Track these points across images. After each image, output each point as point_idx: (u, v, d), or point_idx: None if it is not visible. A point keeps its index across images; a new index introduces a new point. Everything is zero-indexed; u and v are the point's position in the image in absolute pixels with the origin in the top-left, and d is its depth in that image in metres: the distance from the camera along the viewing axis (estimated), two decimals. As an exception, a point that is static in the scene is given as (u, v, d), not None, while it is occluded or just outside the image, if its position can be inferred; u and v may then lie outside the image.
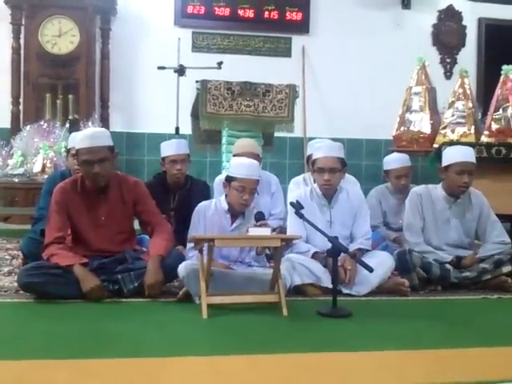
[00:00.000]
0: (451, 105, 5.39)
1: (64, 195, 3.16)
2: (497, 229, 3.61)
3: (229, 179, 3.20)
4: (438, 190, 3.63)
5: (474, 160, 3.54)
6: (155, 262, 3.07)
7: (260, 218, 3.14)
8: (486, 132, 5.01)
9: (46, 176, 4.85)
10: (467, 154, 3.55)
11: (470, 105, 5.31)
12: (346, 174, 3.66)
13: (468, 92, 5.38)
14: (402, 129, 5.76)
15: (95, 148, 3.07)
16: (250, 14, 6.59)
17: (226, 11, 6.54)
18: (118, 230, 3.23)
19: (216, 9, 6.53)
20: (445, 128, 5.37)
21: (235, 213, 3.26)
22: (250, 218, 3.24)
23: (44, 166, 5.32)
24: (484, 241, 3.63)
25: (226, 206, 3.25)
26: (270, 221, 3.99)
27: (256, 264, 3.26)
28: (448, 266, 3.48)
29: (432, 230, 3.61)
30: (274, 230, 3.66)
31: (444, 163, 3.57)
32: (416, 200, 3.63)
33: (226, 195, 3.28)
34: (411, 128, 5.68)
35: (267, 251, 3.18)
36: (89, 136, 3.12)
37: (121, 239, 3.24)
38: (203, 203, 3.35)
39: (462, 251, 3.59)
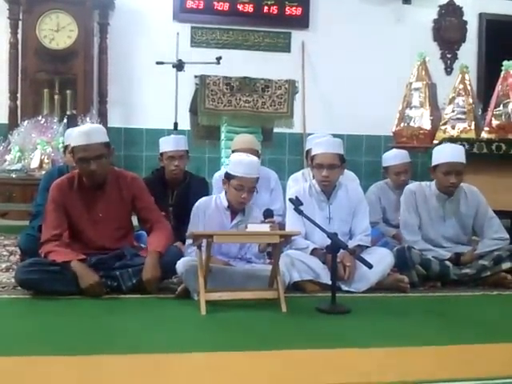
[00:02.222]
0: (451, 100, 5.36)
1: (61, 192, 3.14)
2: (495, 225, 3.59)
3: (228, 177, 3.17)
4: (431, 188, 3.62)
5: (462, 160, 3.50)
6: (153, 258, 3.05)
7: (268, 215, 3.11)
8: (487, 128, 4.99)
9: (43, 172, 4.82)
10: (455, 154, 3.50)
11: (471, 101, 5.29)
12: (346, 170, 3.65)
13: (468, 88, 5.35)
14: (401, 125, 5.73)
15: (91, 145, 3.05)
16: (249, 8, 6.55)
17: (226, 6, 6.51)
18: (115, 226, 3.21)
19: (215, 3, 6.49)
20: (445, 124, 5.34)
21: (235, 210, 3.23)
22: (250, 215, 3.22)
23: (42, 161, 5.30)
24: (482, 237, 3.61)
25: (226, 203, 3.22)
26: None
27: (257, 261, 3.24)
28: (447, 262, 3.47)
29: (428, 226, 3.59)
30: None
31: (433, 163, 3.55)
32: (410, 198, 3.62)
33: (225, 192, 3.25)
34: (411, 124, 5.65)
35: (270, 249, 3.15)
36: (84, 133, 3.09)
37: (119, 235, 3.22)
38: (203, 200, 3.32)
39: (461, 247, 3.58)
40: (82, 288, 2.95)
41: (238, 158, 3.21)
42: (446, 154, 3.52)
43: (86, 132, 3.10)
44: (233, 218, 3.24)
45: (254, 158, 3.24)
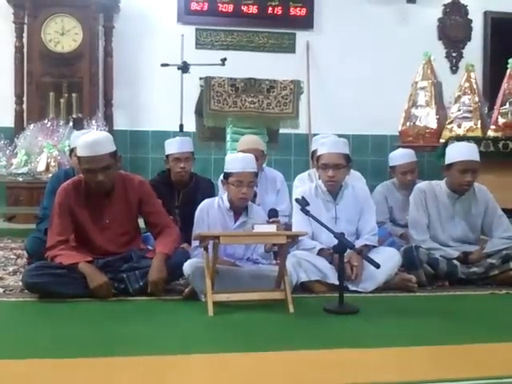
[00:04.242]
0: (457, 99, 5.36)
1: (67, 197, 3.11)
2: (503, 224, 3.57)
3: (226, 176, 3.19)
4: (441, 187, 3.59)
5: (477, 158, 3.47)
6: (160, 260, 3.05)
7: (273, 215, 3.11)
8: (493, 126, 4.99)
9: (50, 175, 4.83)
10: (471, 152, 3.48)
11: (477, 99, 5.28)
12: (352, 170, 3.64)
13: (474, 86, 5.35)
14: (407, 124, 5.73)
15: (97, 157, 2.98)
16: (253, 9, 6.57)
17: (230, 7, 6.53)
18: (122, 232, 3.20)
19: (219, 5, 6.51)
20: (451, 123, 5.34)
21: (238, 210, 3.24)
22: (253, 216, 3.22)
23: (48, 164, 5.33)
24: (491, 236, 3.59)
25: (228, 204, 3.23)
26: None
27: (264, 261, 3.24)
28: (455, 261, 3.45)
29: (437, 226, 3.57)
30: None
31: (447, 161, 3.52)
32: (420, 196, 3.59)
33: (227, 193, 3.25)
34: (417, 123, 5.65)
35: (275, 249, 3.15)
36: (90, 144, 3.00)
37: (125, 240, 3.21)
38: (206, 201, 3.33)
39: (469, 246, 3.56)
40: (90, 289, 2.94)
41: (232, 156, 3.28)
42: (461, 152, 3.49)
43: (92, 143, 3.00)
44: (236, 218, 3.24)
45: (249, 154, 3.26)
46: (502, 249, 3.49)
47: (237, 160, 3.18)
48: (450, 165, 3.49)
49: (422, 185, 3.68)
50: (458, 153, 3.49)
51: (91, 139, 3.04)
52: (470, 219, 3.58)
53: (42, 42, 5.87)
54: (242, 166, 3.13)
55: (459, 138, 4.63)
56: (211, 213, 3.25)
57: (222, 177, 3.35)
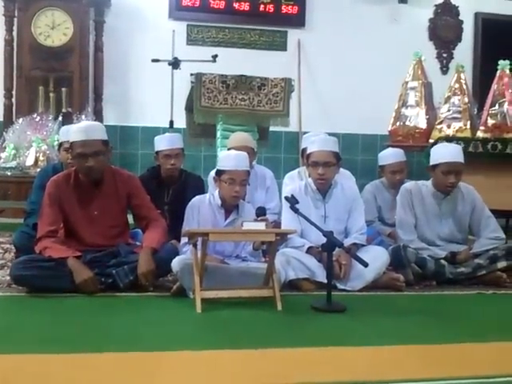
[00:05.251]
0: (447, 100, 5.38)
1: (57, 188, 3.15)
2: (491, 224, 3.59)
3: (218, 173, 3.19)
4: (427, 187, 3.62)
5: (461, 160, 3.50)
6: (147, 253, 3.06)
7: (261, 213, 3.11)
8: (482, 127, 5.02)
9: (38, 169, 4.81)
10: (455, 154, 3.51)
11: (466, 100, 5.31)
12: (341, 169, 3.65)
13: (464, 87, 5.38)
14: (397, 124, 5.75)
15: (89, 141, 3.06)
16: (245, 7, 6.56)
17: (222, 4, 6.51)
18: (111, 224, 3.22)
19: (211, 1, 6.50)
20: (441, 123, 5.36)
21: (229, 208, 3.24)
22: (243, 213, 3.22)
23: (37, 159, 5.30)
24: (478, 236, 3.61)
25: (219, 201, 3.23)
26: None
27: (252, 259, 3.24)
28: (443, 261, 3.47)
29: (424, 225, 3.60)
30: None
31: (431, 162, 3.54)
32: (406, 196, 3.62)
33: (218, 190, 3.25)
34: (407, 123, 5.67)
35: (264, 247, 3.15)
36: (83, 129, 3.11)
37: (114, 233, 3.23)
38: (197, 198, 3.33)
39: (456, 246, 3.58)
40: (76, 284, 2.94)
41: (226, 153, 3.28)
42: (445, 153, 3.51)
43: (86, 128, 3.13)
44: (227, 216, 3.25)
45: (243, 152, 3.26)
46: (489, 249, 3.51)
47: (230, 158, 3.18)
48: (435, 166, 3.52)
49: (408, 185, 3.71)
50: (443, 154, 3.52)
51: (85, 125, 3.22)
52: (456, 218, 3.60)
53: (32, 36, 5.83)
54: (235, 164, 3.13)
55: (448, 139, 4.65)
56: (202, 209, 3.25)
57: (213, 173, 3.35)
